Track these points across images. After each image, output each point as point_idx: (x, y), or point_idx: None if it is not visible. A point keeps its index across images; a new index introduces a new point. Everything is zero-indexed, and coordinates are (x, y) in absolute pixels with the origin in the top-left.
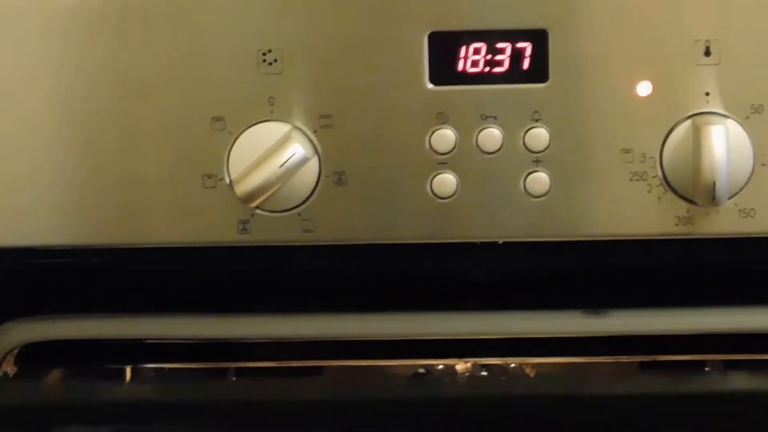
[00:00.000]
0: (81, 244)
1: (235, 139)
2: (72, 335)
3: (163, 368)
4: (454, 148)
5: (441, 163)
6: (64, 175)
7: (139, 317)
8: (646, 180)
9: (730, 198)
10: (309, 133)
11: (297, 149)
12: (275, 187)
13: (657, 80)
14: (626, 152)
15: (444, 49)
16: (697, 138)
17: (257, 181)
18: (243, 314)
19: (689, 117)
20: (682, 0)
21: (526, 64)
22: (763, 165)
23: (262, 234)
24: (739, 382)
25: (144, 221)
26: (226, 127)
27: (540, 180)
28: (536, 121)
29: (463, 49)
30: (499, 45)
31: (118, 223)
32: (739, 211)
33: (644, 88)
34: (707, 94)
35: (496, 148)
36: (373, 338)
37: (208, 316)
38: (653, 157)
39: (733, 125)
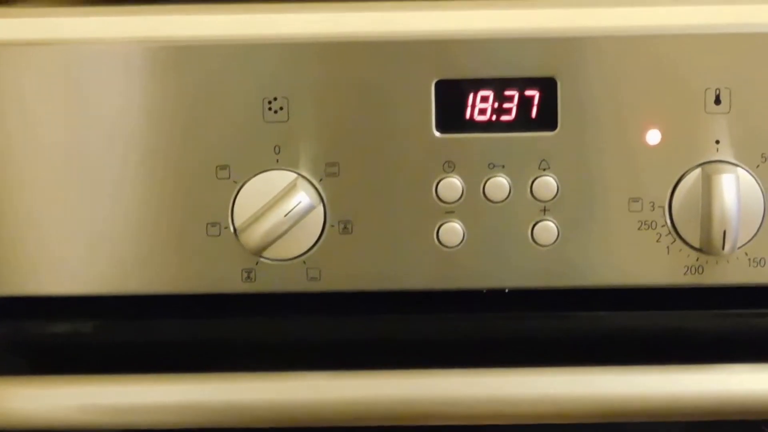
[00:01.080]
0: (79, 293)
1: (240, 188)
2: None
3: None
4: (461, 196)
5: (448, 212)
6: (64, 220)
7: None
8: (654, 229)
9: (740, 247)
10: (315, 181)
11: (302, 197)
12: (280, 236)
13: (666, 128)
14: (635, 201)
15: (451, 96)
16: (707, 187)
17: (262, 230)
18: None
19: (699, 165)
20: (693, 47)
21: (534, 112)
22: None
23: (267, 283)
24: None
25: (147, 269)
26: (231, 176)
27: (548, 229)
28: (544, 169)
29: (471, 96)
30: (507, 93)
31: (121, 270)
32: (750, 260)
33: (653, 137)
34: (717, 142)
35: (504, 197)
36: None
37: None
38: (662, 206)
39: (743, 174)
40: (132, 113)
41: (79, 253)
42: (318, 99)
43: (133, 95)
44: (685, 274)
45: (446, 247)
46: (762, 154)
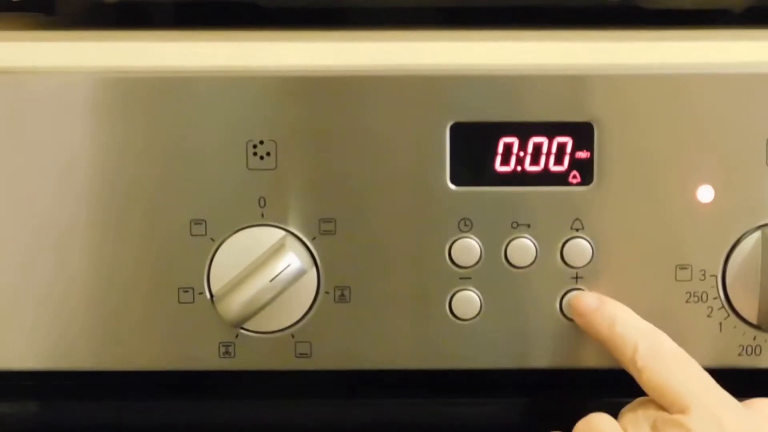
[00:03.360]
0: (25, 369)
1: (218, 247)
2: None
3: None
4: (478, 260)
5: (463, 278)
6: (5, 283)
7: None
8: (705, 302)
9: None
10: (306, 240)
11: (292, 260)
12: (265, 305)
13: (721, 184)
14: (683, 269)
15: (469, 143)
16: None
17: (243, 298)
18: None
19: (759, 228)
20: (753, 89)
21: (566, 162)
22: None
23: (249, 359)
24: None
25: (106, 342)
26: (208, 232)
27: None
28: (577, 230)
29: (492, 143)
30: (535, 140)
31: (85, 344)
32: None
33: (705, 194)
34: None
35: (529, 261)
36: None
37: None
38: (714, 275)
39: None
40: (89, 156)
41: (23, 322)
42: (311, 143)
43: (91, 135)
44: (739, 354)
45: (460, 319)
46: None
